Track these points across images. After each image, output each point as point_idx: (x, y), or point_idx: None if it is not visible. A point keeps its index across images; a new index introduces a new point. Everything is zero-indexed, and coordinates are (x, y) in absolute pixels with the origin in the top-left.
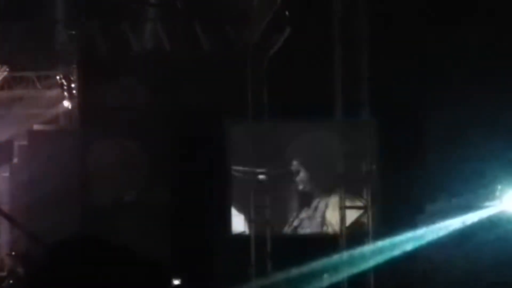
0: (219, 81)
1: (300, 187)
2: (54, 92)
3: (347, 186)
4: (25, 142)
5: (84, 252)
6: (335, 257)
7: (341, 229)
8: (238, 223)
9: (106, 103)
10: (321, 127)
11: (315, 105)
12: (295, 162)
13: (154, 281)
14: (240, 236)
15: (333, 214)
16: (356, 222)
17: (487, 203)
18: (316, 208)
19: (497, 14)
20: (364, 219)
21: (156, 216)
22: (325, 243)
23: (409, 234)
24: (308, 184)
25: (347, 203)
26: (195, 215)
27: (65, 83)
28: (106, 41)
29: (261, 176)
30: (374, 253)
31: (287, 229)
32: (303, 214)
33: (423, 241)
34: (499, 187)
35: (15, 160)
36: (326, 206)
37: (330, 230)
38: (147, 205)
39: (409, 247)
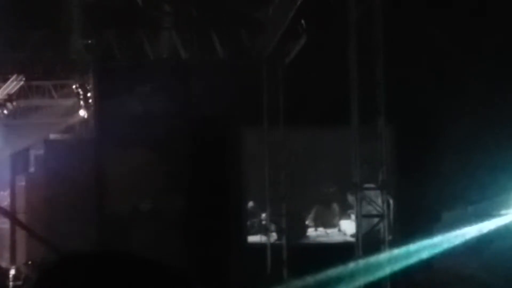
0: (235, 88)
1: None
2: (70, 101)
3: (363, 194)
4: (41, 151)
5: (99, 269)
6: (351, 265)
7: (357, 237)
8: (254, 231)
9: (122, 112)
10: (337, 134)
11: (330, 112)
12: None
13: None
14: (256, 244)
15: (348, 222)
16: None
17: (503, 211)
18: (332, 216)
19: None
20: (381, 227)
21: (172, 225)
22: (341, 251)
23: (426, 242)
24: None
25: (363, 211)
26: (211, 223)
27: (81, 92)
28: (122, 50)
29: None
30: (391, 261)
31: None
32: (318, 221)
33: (439, 249)
34: None
35: (32, 169)
36: (341, 214)
37: (346, 238)
38: (163, 214)
39: (425, 255)
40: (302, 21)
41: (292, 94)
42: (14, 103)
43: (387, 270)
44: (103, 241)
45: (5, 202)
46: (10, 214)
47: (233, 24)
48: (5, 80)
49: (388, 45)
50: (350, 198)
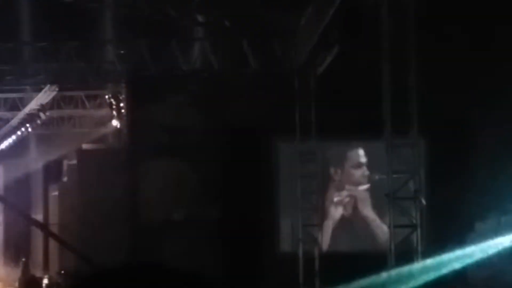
0: (267, 99)
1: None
2: (103, 112)
3: (396, 205)
4: (74, 161)
5: (131, 281)
6: (384, 275)
7: (390, 247)
8: (287, 241)
9: (154, 122)
10: (370, 145)
11: (363, 123)
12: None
13: None
14: (289, 254)
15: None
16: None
17: None
18: (366, 226)
19: None
20: (413, 238)
21: (205, 234)
22: (374, 261)
23: (459, 253)
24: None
25: (396, 222)
26: (244, 233)
27: (114, 103)
28: (155, 61)
29: None
30: (423, 271)
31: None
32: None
33: (473, 260)
34: None
35: (65, 179)
36: (376, 224)
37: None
38: (197, 223)
39: (458, 265)
40: (335, 32)
41: (324, 105)
42: (47, 113)
43: (420, 280)
44: (136, 251)
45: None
46: (43, 225)
47: (266, 35)
48: (38, 90)
49: (421, 55)
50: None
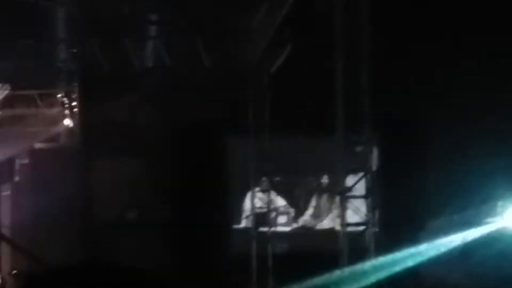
0: (221, 97)
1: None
2: (55, 110)
3: (349, 202)
4: (26, 161)
5: (91, 279)
6: (337, 274)
7: (343, 246)
8: (240, 240)
9: (107, 121)
10: (323, 143)
11: (317, 120)
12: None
13: None
14: (242, 253)
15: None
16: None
17: (488, 219)
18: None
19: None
20: (366, 236)
21: (159, 233)
22: (326, 259)
23: (411, 250)
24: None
25: (349, 220)
26: (197, 233)
27: (66, 101)
28: (108, 59)
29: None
30: (376, 269)
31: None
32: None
33: (425, 257)
34: (500, 203)
35: (17, 178)
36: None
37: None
38: (150, 223)
39: (411, 263)
40: (288, 30)
41: (278, 102)
42: None
43: (372, 279)
44: (88, 250)
45: None
46: None
47: (219, 33)
48: None
49: (374, 54)
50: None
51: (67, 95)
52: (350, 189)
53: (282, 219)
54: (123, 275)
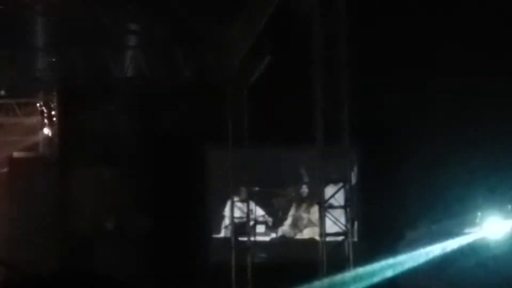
0: (200, 108)
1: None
2: (34, 119)
3: (327, 212)
4: (4, 169)
5: (69, 285)
6: (316, 284)
7: (322, 256)
8: (219, 250)
9: (86, 130)
10: (302, 153)
11: (296, 131)
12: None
13: None
14: (221, 263)
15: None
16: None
17: (467, 230)
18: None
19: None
20: (345, 246)
21: (136, 243)
22: (305, 269)
23: (390, 261)
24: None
25: (328, 230)
26: (175, 243)
27: (45, 110)
28: (86, 68)
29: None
30: (355, 279)
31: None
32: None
33: (403, 268)
34: (479, 214)
35: None
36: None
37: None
38: (128, 232)
39: (390, 273)
40: (266, 41)
41: (256, 113)
42: None
43: None
44: (66, 260)
45: None
46: None
47: (198, 44)
48: None
49: (353, 64)
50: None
51: (45, 104)
52: (329, 199)
53: (261, 228)
54: (99, 282)
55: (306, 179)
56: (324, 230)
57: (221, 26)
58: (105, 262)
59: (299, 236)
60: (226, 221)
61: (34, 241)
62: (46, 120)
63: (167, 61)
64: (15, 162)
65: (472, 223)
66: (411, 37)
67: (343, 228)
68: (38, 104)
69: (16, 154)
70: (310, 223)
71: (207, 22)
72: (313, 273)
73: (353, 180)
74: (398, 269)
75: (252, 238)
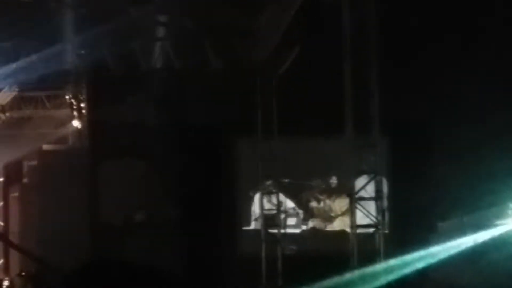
0: (229, 98)
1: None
2: (63, 112)
3: (358, 205)
4: (34, 162)
5: (106, 277)
6: (347, 276)
7: (352, 248)
8: (249, 241)
9: (115, 122)
10: (332, 144)
11: (325, 122)
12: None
13: None
14: (251, 255)
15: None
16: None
17: (499, 221)
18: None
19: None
20: (376, 238)
21: (166, 235)
22: (336, 261)
23: (421, 253)
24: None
25: (359, 222)
26: (205, 234)
27: (74, 103)
28: (116, 60)
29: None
30: (386, 271)
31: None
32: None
33: (435, 260)
34: (511, 205)
35: (25, 180)
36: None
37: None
38: (157, 224)
39: (420, 265)
40: (296, 31)
41: (286, 104)
42: (7, 114)
43: (382, 281)
44: (97, 251)
45: None
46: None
47: (227, 34)
48: None
49: (384, 55)
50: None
51: (75, 96)
52: (359, 191)
53: (291, 221)
54: (133, 273)
55: (336, 170)
56: (355, 222)
57: (250, 16)
58: (135, 253)
59: (329, 228)
60: (256, 213)
61: (64, 233)
62: (75, 113)
63: (196, 52)
64: (45, 155)
65: (504, 215)
66: (443, 27)
67: (374, 220)
68: (67, 97)
69: (45, 147)
70: (341, 215)
71: (237, 12)
72: (344, 265)
73: (384, 171)
74: (429, 261)
75: (282, 230)
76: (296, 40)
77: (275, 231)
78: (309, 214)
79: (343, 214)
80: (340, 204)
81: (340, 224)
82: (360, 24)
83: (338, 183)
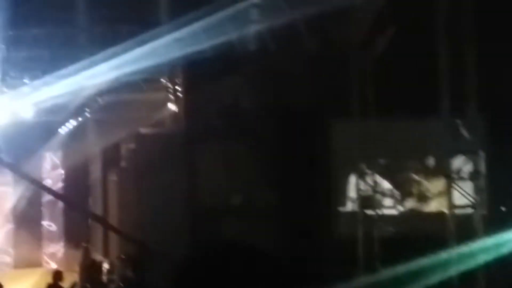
0: (324, 80)
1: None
2: (159, 95)
3: (456, 185)
4: (132, 146)
5: (232, 260)
6: (444, 256)
7: (450, 229)
8: (346, 223)
9: (211, 105)
10: (428, 125)
11: (422, 102)
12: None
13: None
14: (348, 236)
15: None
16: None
17: None
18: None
19: None
20: (473, 218)
21: (264, 218)
22: (433, 242)
23: None
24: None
25: (456, 202)
26: (302, 216)
27: (170, 86)
28: (211, 43)
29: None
30: (484, 251)
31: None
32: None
33: None
34: None
35: (123, 164)
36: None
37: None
38: (255, 207)
39: None
40: (391, 11)
41: (381, 85)
42: (104, 98)
43: (480, 261)
44: (194, 235)
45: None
46: (99, 217)
47: (321, 16)
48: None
49: (479, 34)
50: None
51: (171, 79)
52: (457, 171)
53: (387, 202)
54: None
55: (432, 150)
56: (452, 202)
57: None
58: (233, 237)
59: (426, 209)
60: (352, 194)
61: (161, 217)
62: (171, 96)
63: (290, 34)
64: (142, 139)
65: None
66: None
67: (472, 200)
68: (163, 80)
69: (142, 131)
70: (438, 196)
71: None
72: (442, 246)
73: (482, 151)
74: None
75: (379, 211)
76: (391, 20)
77: (371, 212)
78: (405, 195)
79: (440, 194)
80: (437, 184)
81: (437, 205)
82: (455, 1)
83: (435, 163)
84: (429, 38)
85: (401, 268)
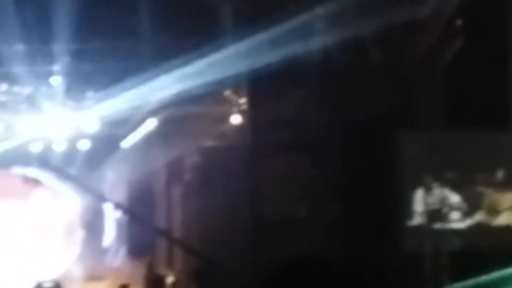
0: (390, 91)
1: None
2: (224, 108)
3: None
4: (196, 159)
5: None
6: None
7: None
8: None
9: (275, 118)
10: (497, 137)
11: (491, 113)
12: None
13: None
14: (415, 250)
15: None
16: None
17: None
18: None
19: None
20: None
21: (329, 231)
22: (503, 257)
23: None
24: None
25: None
26: (367, 229)
27: (235, 99)
28: (275, 56)
29: None
30: None
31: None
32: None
33: None
34: None
35: (187, 177)
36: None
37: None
38: (319, 220)
39: None
40: (460, 20)
41: (449, 96)
42: (168, 111)
43: None
44: (258, 248)
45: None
46: (163, 231)
47: (387, 26)
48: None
49: None
50: None
51: (235, 92)
52: None
53: (455, 215)
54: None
55: (502, 163)
56: None
57: (411, 6)
58: (296, 250)
59: (496, 223)
60: (419, 208)
61: (226, 230)
62: (235, 108)
63: (356, 45)
64: (206, 152)
65: None
66: None
67: None
68: (227, 93)
69: (206, 144)
70: (508, 210)
71: (397, 3)
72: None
73: None
74: None
75: (447, 225)
76: (460, 30)
77: (439, 226)
78: (474, 208)
79: (510, 208)
80: (508, 198)
81: (507, 218)
82: None
83: (505, 176)
84: (501, 48)
85: (469, 283)
